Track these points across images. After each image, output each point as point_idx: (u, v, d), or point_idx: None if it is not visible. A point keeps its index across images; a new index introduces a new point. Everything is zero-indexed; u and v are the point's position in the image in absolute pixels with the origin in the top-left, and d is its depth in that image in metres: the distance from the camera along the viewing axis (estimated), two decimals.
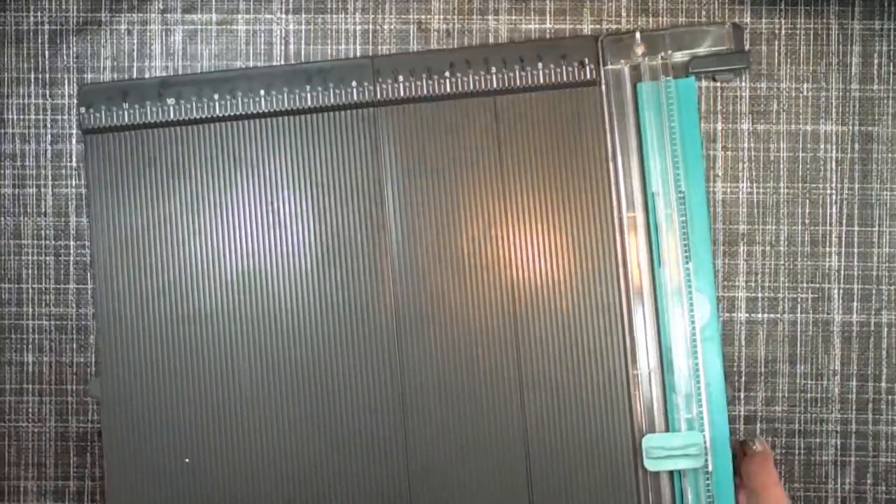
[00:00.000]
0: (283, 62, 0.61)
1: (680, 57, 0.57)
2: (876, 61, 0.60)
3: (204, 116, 0.58)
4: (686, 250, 0.56)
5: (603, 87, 0.57)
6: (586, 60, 0.57)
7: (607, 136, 0.57)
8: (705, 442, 0.55)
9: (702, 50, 0.57)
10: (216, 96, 0.58)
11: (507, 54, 0.57)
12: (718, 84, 0.61)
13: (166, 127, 0.58)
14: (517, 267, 0.57)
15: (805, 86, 0.61)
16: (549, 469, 0.56)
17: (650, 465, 0.55)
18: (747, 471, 0.55)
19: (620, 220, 0.57)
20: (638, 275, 0.56)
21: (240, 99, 0.58)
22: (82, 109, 0.58)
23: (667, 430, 0.56)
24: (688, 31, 0.57)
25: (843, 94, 0.61)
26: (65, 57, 0.62)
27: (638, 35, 0.57)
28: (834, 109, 0.61)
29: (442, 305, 0.57)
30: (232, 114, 0.58)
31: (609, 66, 0.57)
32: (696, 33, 0.58)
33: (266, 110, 0.58)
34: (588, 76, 0.57)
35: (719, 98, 0.61)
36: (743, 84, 0.61)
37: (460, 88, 0.57)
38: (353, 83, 0.57)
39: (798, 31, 0.61)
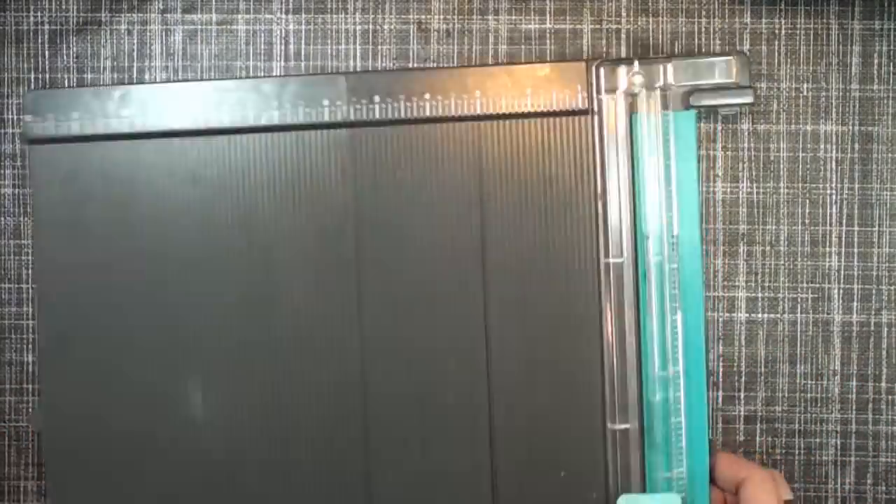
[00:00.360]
0: (283, 62, 0.61)
1: (680, 88, 0.54)
2: (876, 61, 0.60)
3: (161, 130, 0.54)
4: (675, 300, 0.53)
5: (596, 116, 0.54)
6: (579, 87, 0.54)
7: (597, 170, 0.54)
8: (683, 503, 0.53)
9: (704, 81, 0.54)
10: (175, 108, 0.54)
11: (493, 76, 0.54)
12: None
13: (120, 140, 0.55)
14: (491, 305, 0.54)
15: (805, 86, 0.61)
16: None
17: None
18: (718, 471, 0.54)
19: (607, 263, 0.54)
20: (621, 323, 0.54)
21: (200, 113, 0.54)
22: (27, 117, 0.55)
23: (644, 490, 0.54)
24: (690, 62, 0.54)
25: (843, 94, 0.61)
26: (65, 57, 0.62)
27: (636, 63, 0.54)
28: (834, 109, 0.61)
29: (411, 335, 0.54)
30: (191, 129, 0.54)
31: (603, 95, 0.54)
32: (699, 64, 0.54)
33: (228, 126, 0.54)
34: (580, 104, 0.54)
35: None
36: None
37: (441, 112, 0.54)
38: (325, 101, 0.54)
39: (798, 31, 0.61)
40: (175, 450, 0.55)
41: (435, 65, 0.61)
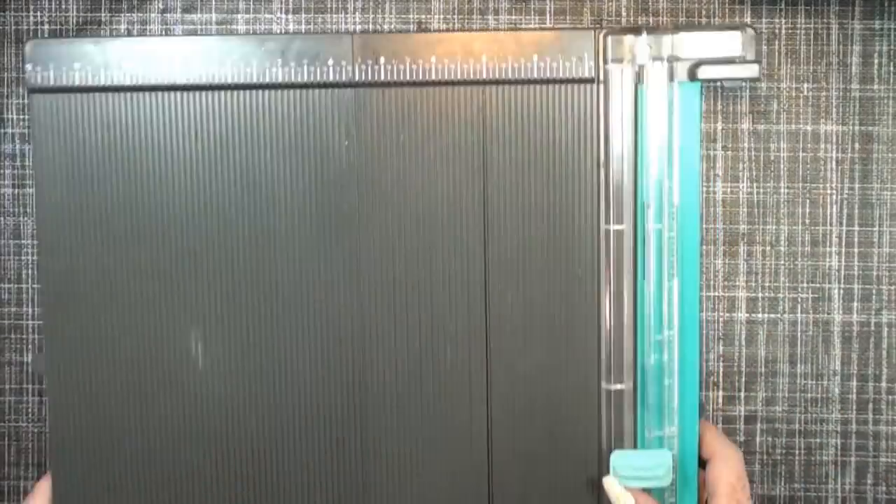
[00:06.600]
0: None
1: (686, 60, 0.54)
2: (876, 61, 0.61)
3: (162, 84, 0.55)
4: (672, 267, 0.54)
5: (602, 86, 0.55)
6: (586, 56, 0.54)
7: (601, 139, 0.55)
8: (674, 461, 0.54)
9: (711, 55, 0.54)
10: (178, 62, 0.55)
11: (500, 42, 0.54)
12: (721, 86, 0.61)
13: (121, 92, 0.55)
14: (491, 267, 0.55)
15: (805, 86, 0.61)
16: (511, 476, 0.55)
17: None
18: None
19: (607, 230, 0.55)
20: (619, 288, 0.55)
21: (203, 68, 0.55)
22: (28, 66, 0.55)
23: (635, 447, 0.55)
24: (698, 34, 0.54)
25: (843, 94, 0.61)
26: None
27: (644, 34, 0.54)
28: (834, 109, 0.61)
29: (410, 294, 0.55)
30: (194, 84, 0.55)
31: (611, 65, 0.54)
32: (707, 36, 0.54)
33: (231, 82, 0.55)
34: (586, 73, 0.54)
35: (719, 98, 0.61)
36: (743, 84, 0.61)
37: (447, 76, 0.55)
38: (331, 61, 0.54)
39: (798, 31, 0.61)
40: (173, 395, 0.56)
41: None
